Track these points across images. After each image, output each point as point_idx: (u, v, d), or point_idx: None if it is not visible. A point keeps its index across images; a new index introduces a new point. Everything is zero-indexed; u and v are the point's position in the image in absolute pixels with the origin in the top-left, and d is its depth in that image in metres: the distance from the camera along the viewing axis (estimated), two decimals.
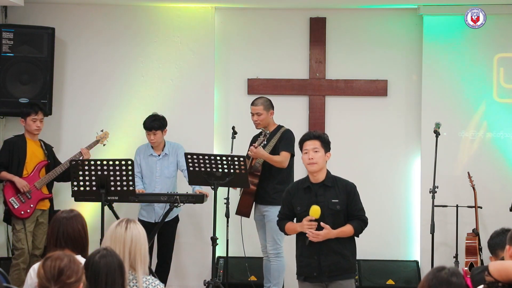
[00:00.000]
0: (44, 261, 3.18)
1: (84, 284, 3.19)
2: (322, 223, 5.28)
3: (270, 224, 7.16)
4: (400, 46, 8.34)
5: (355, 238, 5.49)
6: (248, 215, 7.30)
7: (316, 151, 5.35)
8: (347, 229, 5.36)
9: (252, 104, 7.35)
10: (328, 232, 5.28)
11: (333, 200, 5.35)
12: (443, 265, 3.27)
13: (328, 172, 5.45)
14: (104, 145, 7.70)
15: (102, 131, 7.72)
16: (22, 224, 7.29)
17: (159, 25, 8.31)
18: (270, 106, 7.33)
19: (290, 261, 8.12)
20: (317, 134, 5.46)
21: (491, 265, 3.55)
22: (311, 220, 5.28)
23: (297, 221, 5.49)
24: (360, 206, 5.45)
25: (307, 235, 5.30)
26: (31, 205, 7.33)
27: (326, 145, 5.42)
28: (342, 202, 5.36)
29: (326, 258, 5.33)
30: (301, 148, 5.46)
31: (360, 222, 5.42)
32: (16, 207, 7.28)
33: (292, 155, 7.23)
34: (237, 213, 7.29)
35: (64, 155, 7.74)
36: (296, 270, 5.57)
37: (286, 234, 5.65)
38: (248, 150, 7.11)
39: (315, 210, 5.26)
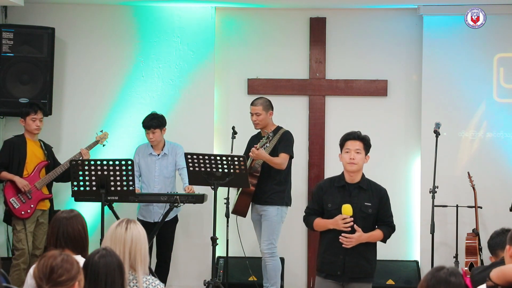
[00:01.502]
0: (38, 261, 3.19)
1: (80, 283, 3.19)
2: (355, 226, 5.27)
3: (266, 223, 7.17)
4: (400, 46, 8.34)
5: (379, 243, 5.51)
6: (244, 215, 7.30)
7: (358, 152, 5.37)
8: (377, 234, 5.39)
9: (252, 104, 7.35)
10: (360, 235, 5.29)
11: (366, 203, 5.36)
12: (442, 265, 3.27)
13: (363, 175, 5.45)
14: (103, 145, 7.70)
15: (101, 131, 7.72)
16: (23, 224, 7.29)
17: (159, 25, 8.31)
18: (269, 106, 7.33)
19: (290, 261, 8.14)
20: (361, 135, 5.46)
21: (492, 272, 3.60)
22: (345, 218, 5.26)
23: (325, 218, 5.44)
24: (390, 212, 5.48)
25: (340, 240, 5.28)
26: (32, 205, 7.33)
27: (367, 147, 5.45)
28: (374, 206, 5.37)
29: (352, 259, 5.32)
30: (341, 146, 5.45)
31: (389, 228, 5.45)
32: (16, 207, 7.28)
33: (291, 157, 7.23)
34: (233, 212, 7.29)
35: (64, 155, 7.74)
36: (317, 266, 5.52)
37: (313, 230, 5.57)
38: (250, 152, 7.09)
39: (347, 209, 5.27)
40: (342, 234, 5.28)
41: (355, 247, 5.31)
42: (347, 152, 5.37)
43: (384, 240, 5.46)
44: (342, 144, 5.45)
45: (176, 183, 7.69)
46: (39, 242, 7.43)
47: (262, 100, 7.34)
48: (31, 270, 4.22)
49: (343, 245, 5.29)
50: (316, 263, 5.57)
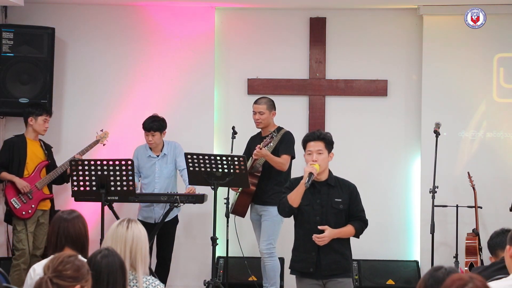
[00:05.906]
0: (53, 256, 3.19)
1: None
2: (320, 226, 5.27)
3: (266, 224, 7.17)
4: (400, 46, 8.34)
5: (355, 238, 5.49)
6: (243, 215, 7.31)
7: (320, 153, 5.32)
8: (348, 229, 5.36)
9: (255, 102, 7.34)
10: (330, 231, 5.27)
11: (336, 199, 5.34)
12: (440, 265, 3.26)
13: (330, 172, 5.44)
14: (104, 144, 7.70)
15: (102, 130, 7.73)
16: (23, 224, 7.28)
17: (159, 25, 8.32)
18: (272, 106, 7.33)
19: (290, 261, 8.13)
20: (321, 135, 5.39)
21: None
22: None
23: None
24: (361, 207, 5.44)
25: (313, 239, 5.26)
26: (33, 206, 7.33)
27: (329, 145, 5.38)
28: (345, 202, 5.35)
29: (326, 256, 5.30)
30: (304, 147, 5.42)
31: (361, 223, 5.42)
32: (17, 207, 7.27)
33: (293, 157, 7.24)
34: (232, 212, 7.29)
35: (64, 155, 7.74)
36: (289, 264, 5.51)
37: (290, 208, 5.31)
38: (253, 152, 7.08)
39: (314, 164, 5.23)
40: (314, 235, 5.26)
41: (329, 244, 5.27)
42: (309, 154, 5.34)
43: (356, 235, 5.41)
44: (304, 145, 5.41)
45: (177, 182, 7.68)
46: (39, 242, 7.43)
47: (266, 100, 7.34)
48: (31, 270, 4.23)
49: (317, 243, 5.26)
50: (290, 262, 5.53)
